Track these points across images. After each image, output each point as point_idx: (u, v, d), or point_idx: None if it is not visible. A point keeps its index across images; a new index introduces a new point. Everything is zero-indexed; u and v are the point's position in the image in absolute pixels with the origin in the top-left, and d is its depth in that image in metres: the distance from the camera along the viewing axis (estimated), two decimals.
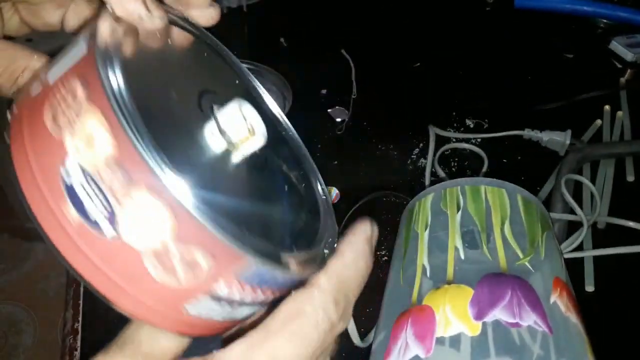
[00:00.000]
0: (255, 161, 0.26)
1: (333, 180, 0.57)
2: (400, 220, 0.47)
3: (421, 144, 0.62)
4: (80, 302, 0.46)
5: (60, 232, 0.21)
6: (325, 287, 0.23)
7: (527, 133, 0.62)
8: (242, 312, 0.23)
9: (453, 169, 0.60)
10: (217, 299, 0.22)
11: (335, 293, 0.23)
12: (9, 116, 0.23)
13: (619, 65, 0.76)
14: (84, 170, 0.20)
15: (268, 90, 0.76)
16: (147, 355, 0.22)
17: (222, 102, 0.26)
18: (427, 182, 0.57)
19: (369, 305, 0.47)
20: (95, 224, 0.20)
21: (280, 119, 0.33)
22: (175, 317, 0.22)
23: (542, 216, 0.42)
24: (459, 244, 0.38)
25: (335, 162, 0.60)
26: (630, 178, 0.59)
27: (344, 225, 0.55)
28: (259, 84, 0.33)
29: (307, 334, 0.22)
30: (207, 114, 0.25)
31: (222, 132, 0.25)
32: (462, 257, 0.37)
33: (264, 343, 0.22)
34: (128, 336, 0.23)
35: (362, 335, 0.44)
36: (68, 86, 0.21)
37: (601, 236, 0.52)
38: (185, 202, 0.19)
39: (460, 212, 0.40)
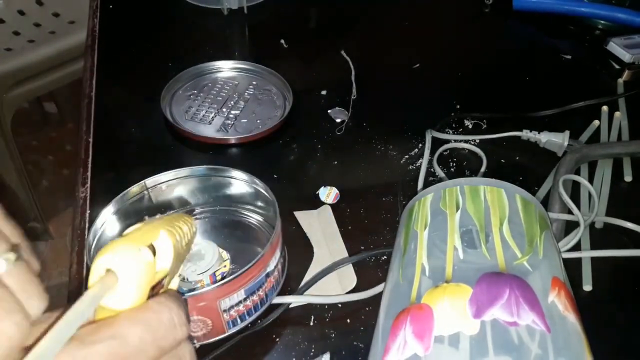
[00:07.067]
0: None
1: (333, 180, 0.57)
2: (400, 220, 0.47)
3: (420, 144, 0.62)
4: None
5: None
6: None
7: (526, 134, 0.62)
8: None
9: (452, 169, 0.60)
10: None
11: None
12: None
13: (617, 66, 0.76)
14: None
15: (268, 90, 0.78)
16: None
17: None
18: (419, 186, 0.57)
19: (370, 305, 0.47)
20: None
21: None
22: None
23: (540, 216, 0.42)
24: (458, 243, 0.38)
25: (335, 162, 0.60)
26: (628, 178, 0.59)
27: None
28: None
29: (150, 320, 0.24)
30: None
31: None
32: (461, 256, 0.37)
33: (111, 324, 0.23)
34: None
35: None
36: None
37: (599, 236, 0.53)
38: None
39: (459, 212, 0.41)
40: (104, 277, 0.24)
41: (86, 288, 0.24)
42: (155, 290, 0.27)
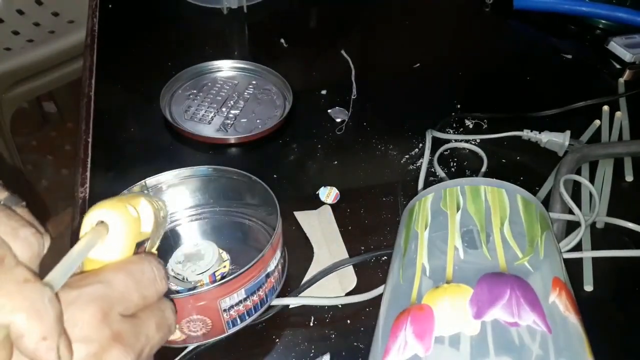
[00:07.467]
0: None
1: (333, 180, 0.57)
2: (400, 220, 0.47)
3: (420, 144, 0.62)
4: None
5: None
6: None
7: (526, 134, 0.62)
8: None
9: (452, 169, 0.60)
10: None
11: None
12: None
13: (618, 66, 0.76)
14: None
15: (268, 90, 0.78)
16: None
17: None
18: (419, 186, 0.57)
19: (370, 305, 0.47)
20: None
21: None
22: None
23: (541, 216, 0.42)
24: (458, 243, 0.38)
25: (335, 162, 0.60)
26: (629, 178, 0.59)
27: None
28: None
29: (133, 269, 0.27)
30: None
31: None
32: (462, 256, 0.37)
33: (98, 272, 0.27)
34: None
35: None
36: None
37: (600, 236, 0.53)
38: None
39: (460, 212, 0.41)
40: (96, 227, 0.27)
41: (77, 239, 0.27)
42: (138, 252, 0.29)
